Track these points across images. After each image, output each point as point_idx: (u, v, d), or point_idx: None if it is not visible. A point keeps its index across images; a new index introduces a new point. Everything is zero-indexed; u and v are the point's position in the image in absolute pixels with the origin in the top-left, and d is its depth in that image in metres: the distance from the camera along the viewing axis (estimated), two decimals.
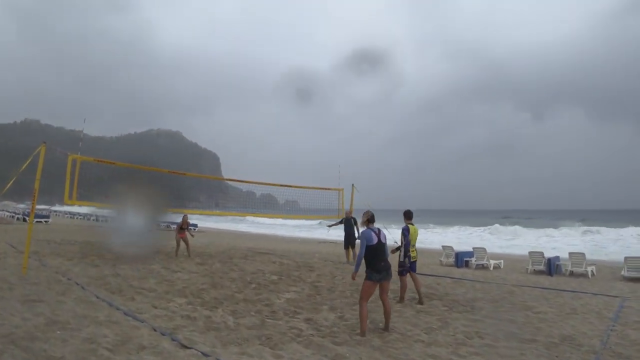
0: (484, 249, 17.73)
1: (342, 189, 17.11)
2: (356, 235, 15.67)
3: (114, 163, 13.14)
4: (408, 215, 9.36)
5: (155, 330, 6.10)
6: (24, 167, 10.18)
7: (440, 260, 17.98)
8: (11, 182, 10.08)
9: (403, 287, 9.20)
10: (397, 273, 8.86)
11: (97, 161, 12.73)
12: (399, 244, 9.25)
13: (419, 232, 9.68)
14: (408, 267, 9.18)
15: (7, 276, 9.47)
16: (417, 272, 9.62)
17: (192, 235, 16.19)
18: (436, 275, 13.58)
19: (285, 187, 18.63)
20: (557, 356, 6.08)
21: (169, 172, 15.29)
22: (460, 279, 13.23)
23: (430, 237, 37.78)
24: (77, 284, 9.04)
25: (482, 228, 46.69)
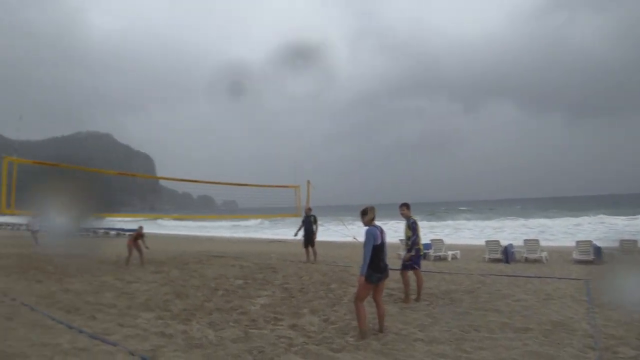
0: (441, 240, 17.82)
1: (299, 186, 16.59)
2: (315, 233, 15.27)
3: (57, 165, 11.86)
4: (409, 208, 8.87)
5: (132, 354, 5.31)
6: None
7: (399, 254, 17.86)
8: None
9: (406, 284, 8.78)
10: (401, 268, 8.60)
11: (37, 163, 11.44)
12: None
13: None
14: (415, 262, 8.77)
15: None
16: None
17: (147, 248, 15.14)
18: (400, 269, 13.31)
19: (222, 185, 17.73)
20: (558, 343, 5.94)
21: (117, 174, 14.21)
22: (427, 271, 13.04)
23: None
24: (25, 305, 8.00)
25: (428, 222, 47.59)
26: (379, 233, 6.16)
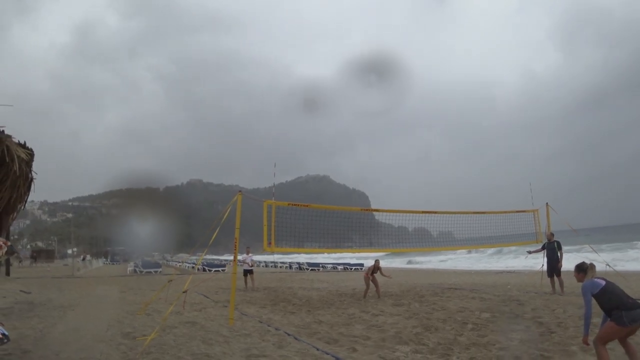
0: None
1: (537, 210, 15.34)
2: (560, 261, 13.86)
3: (307, 206, 13.07)
4: None
5: None
6: (224, 217, 10.30)
7: None
8: (215, 233, 10.18)
9: None
10: None
11: (291, 205, 12.73)
12: None
13: None
14: None
15: (217, 328, 9.43)
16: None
17: (389, 277, 15.69)
18: None
19: (437, 215, 16.90)
20: None
21: (360, 210, 15.02)
22: None
23: None
24: (288, 334, 8.64)
25: None
26: (596, 280, 5.48)
